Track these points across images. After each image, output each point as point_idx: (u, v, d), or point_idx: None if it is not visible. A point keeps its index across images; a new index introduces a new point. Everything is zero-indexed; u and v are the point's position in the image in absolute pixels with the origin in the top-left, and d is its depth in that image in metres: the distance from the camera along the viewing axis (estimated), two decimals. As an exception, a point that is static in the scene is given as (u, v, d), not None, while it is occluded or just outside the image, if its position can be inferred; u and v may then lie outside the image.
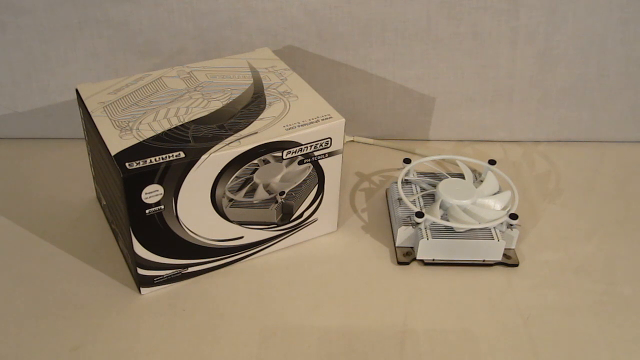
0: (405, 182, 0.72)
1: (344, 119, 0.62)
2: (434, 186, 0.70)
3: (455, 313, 0.62)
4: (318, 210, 0.68)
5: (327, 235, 0.70)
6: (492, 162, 0.73)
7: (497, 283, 0.65)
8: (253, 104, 0.64)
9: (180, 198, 0.58)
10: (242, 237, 0.64)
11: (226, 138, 0.59)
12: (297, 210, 0.66)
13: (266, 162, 0.60)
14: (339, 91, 0.83)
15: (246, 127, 0.60)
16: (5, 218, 0.71)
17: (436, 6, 0.77)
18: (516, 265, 0.67)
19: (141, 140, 0.58)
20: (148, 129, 0.59)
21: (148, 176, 0.55)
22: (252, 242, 0.65)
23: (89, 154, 0.70)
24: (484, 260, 0.66)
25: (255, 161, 0.60)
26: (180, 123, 0.60)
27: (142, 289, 0.62)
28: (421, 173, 0.74)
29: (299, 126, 0.61)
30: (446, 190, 0.68)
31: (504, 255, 0.67)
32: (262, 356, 0.57)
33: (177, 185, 0.57)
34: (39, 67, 0.79)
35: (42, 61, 0.79)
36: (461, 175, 0.72)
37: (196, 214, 0.60)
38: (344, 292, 0.64)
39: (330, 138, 0.62)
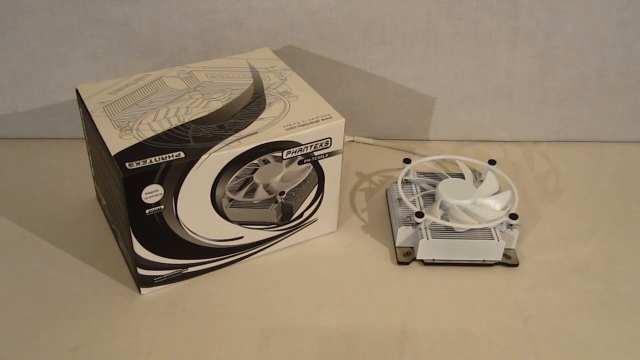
0: (405, 182, 0.72)
1: (344, 119, 0.62)
2: (434, 186, 0.70)
3: (455, 313, 0.62)
4: (318, 210, 0.68)
5: (327, 235, 0.70)
6: (492, 162, 0.73)
7: (497, 283, 0.65)
8: (253, 104, 0.64)
9: (180, 198, 0.58)
10: (242, 237, 0.64)
11: (226, 138, 0.59)
12: (297, 210, 0.66)
13: (266, 162, 0.60)
14: (339, 91, 0.83)
15: (246, 127, 0.60)
16: (5, 218, 0.71)
17: (436, 6, 0.77)
18: (516, 265, 0.67)
19: (141, 140, 0.58)
20: (148, 129, 0.59)
21: (148, 176, 0.55)
22: (252, 242, 0.65)
23: (89, 154, 0.70)
24: (484, 260, 0.66)
25: (255, 161, 0.60)
26: (180, 123, 0.60)
27: (142, 289, 0.62)
28: (421, 173, 0.74)
29: (299, 126, 0.61)
30: (446, 190, 0.68)
31: (504, 255, 0.67)
32: (262, 356, 0.57)
33: (177, 185, 0.57)
34: (39, 67, 0.79)
35: (42, 61, 0.79)
36: (461, 175, 0.72)
37: (196, 214, 0.60)
38: (344, 292, 0.64)
39: (330, 138, 0.62)
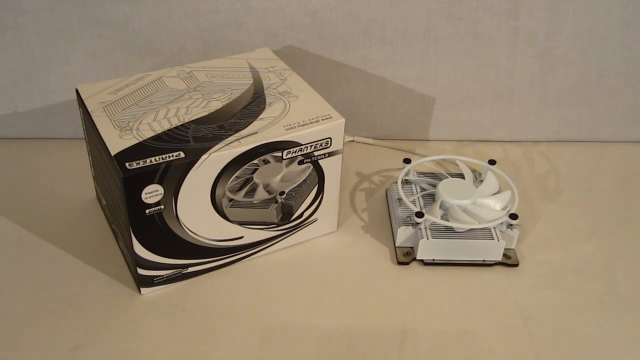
0: (405, 182, 0.72)
1: (344, 119, 0.62)
2: (434, 186, 0.70)
3: (455, 313, 0.62)
4: (318, 210, 0.68)
5: (327, 235, 0.70)
6: (492, 162, 0.73)
7: (497, 283, 0.65)
8: (253, 104, 0.64)
9: (180, 198, 0.58)
10: (242, 237, 0.64)
11: (226, 138, 0.59)
12: (297, 210, 0.66)
13: (266, 162, 0.60)
14: (339, 91, 0.83)
15: (246, 127, 0.60)
16: (5, 218, 0.71)
17: (436, 6, 0.77)
18: (516, 265, 0.67)
19: (141, 140, 0.58)
20: (148, 129, 0.59)
21: (148, 176, 0.55)
22: (252, 242, 0.65)
23: (89, 154, 0.70)
24: (484, 260, 0.66)
25: (255, 161, 0.60)
26: (180, 123, 0.60)
27: (142, 289, 0.62)
28: (421, 173, 0.74)
29: (299, 126, 0.61)
30: (446, 190, 0.68)
31: (504, 255, 0.67)
32: (262, 356, 0.57)
33: (177, 185, 0.57)
34: (39, 67, 0.79)
35: (42, 61, 0.79)
36: (461, 175, 0.72)
37: (196, 214, 0.60)
38: (344, 292, 0.64)
39: (330, 138, 0.62)
